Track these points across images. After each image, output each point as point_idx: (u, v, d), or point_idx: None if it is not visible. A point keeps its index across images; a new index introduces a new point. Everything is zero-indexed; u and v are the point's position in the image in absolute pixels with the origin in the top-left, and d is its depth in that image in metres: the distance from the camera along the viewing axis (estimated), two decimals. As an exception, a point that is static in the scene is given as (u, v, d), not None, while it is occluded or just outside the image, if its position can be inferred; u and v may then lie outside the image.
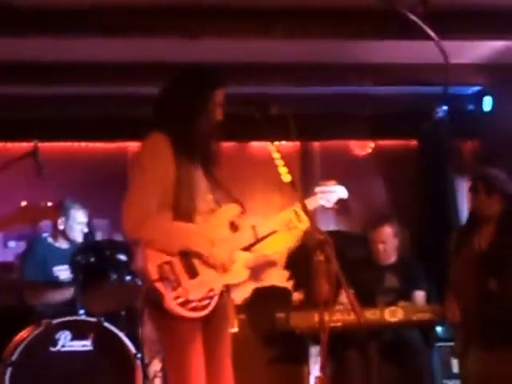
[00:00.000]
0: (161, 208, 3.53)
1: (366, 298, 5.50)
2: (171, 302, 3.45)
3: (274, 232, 3.81)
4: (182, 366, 3.53)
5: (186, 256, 3.53)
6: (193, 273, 3.53)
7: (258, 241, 3.79)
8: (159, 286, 3.44)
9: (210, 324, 3.67)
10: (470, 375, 4.67)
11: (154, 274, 3.44)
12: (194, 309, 3.51)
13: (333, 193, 4.11)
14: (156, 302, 3.47)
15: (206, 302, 3.56)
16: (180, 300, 3.47)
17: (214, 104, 3.69)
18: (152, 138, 3.61)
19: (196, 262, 3.56)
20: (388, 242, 6.13)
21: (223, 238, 3.67)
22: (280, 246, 3.86)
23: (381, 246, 6.11)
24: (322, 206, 4.06)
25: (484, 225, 4.76)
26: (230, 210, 3.77)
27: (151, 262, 3.46)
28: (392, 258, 6.18)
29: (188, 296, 3.48)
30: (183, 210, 3.57)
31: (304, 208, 3.59)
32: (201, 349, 3.58)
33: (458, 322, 4.81)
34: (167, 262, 3.48)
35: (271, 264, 3.95)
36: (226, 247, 3.65)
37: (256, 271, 3.80)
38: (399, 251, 6.25)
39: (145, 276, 3.49)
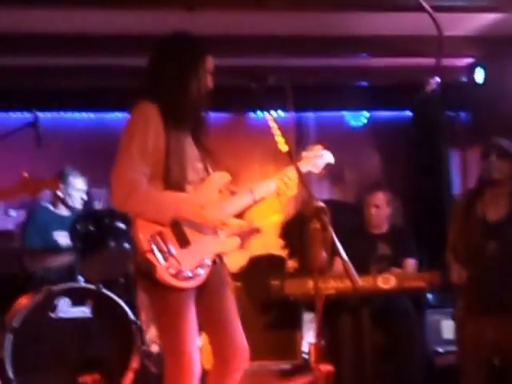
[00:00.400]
0: (151, 178, 3.48)
1: (360, 266, 5.49)
2: (163, 273, 3.40)
3: (263, 198, 3.78)
4: (174, 336, 3.51)
5: (177, 225, 3.48)
6: (184, 242, 3.49)
7: (255, 203, 3.76)
8: (150, 256, 3.39)
9: (207, 291, 3.64)
10: (468, 340, 4.69)
11: (145, 244, 3.40)
12: (187, 278, 3.47)
13: (320, 158, 4.06)
14: (147, 273, 3.42)
15: (199, 271, 3.53)
16: (172, 270, 3.42)
17: (204, 71, 3.65)
18: (140, 107, 3.55)
19: (187, 230, 3.51)
20: (381, 207, 6.21)
21: (213, 201, 3.60)
22: (267, 212, 3.84)
23: (374, 210, 6.19)
24: (310, 172, 3.99)
25: (490, 190, 4.75)
26: (220, 177, 3.70)
27: (142, 233, 3.41)
28: (384, 227, 6.25)
29: (180, 266, 3.44)
30: (173, 180, 3.52)
31: (299, 174, 3.57)
32: (194, 319, 3.55)
33: (462, 284, 4.80)
34: (158, 233, 3.43)
35: (256, 231, 3.91)
36: (217, 209, 3.58)
37: (241, 239, 3.78)
38: (391, 220, 6.30)
39: (136, 247, 3.43)
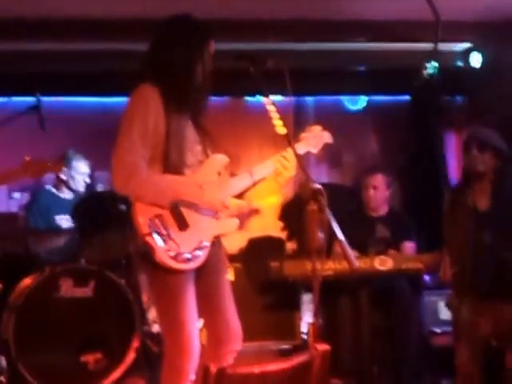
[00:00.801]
0: (150, 161, 3.49)
1: (358, 249, 5.58)
2: (162, 255, 3.44)
3: (261, 180, 3.84)
4: (173, 318, 3.56)
5: (176, 208, 3.51)
6: (183, 224, 3.53)
7: (254, 184, 3.83)
8: (150, 239, 3.43)
9: (205, 273, 3.69)
10: (464, 324, 4.73)
11: (144, 228, 3.43)
12: (186, 261, 3.52)
13: (319, 138, 4.13)
14: (147, 255, 3.46)
15: (198, 253, 3.57)
16: (171, 253, 3.46)
17: (208, 54, 3.68)
18: (141, 89, 3.54)
19: (186, 212, 3.54)
20: (380, 189, 6.21)
21: (212, 182, 3.65)
22: (265, 194, 3.87)
23: (372, 192, 6.19)
24: (309, 152, 4.06)
25: (477, 182, 4.77)
26: (218, 159, 3.73)
27: (141, 216, 3.45)
28: (383, 210, 6.27)
29: (179, 248, 3.48)
30: (172, 164, 3.54)
31: (296, 156, 3.61)
32: (193, 300, 3.60)
33: (453, 275, 4.85)
34: (158, 215, 3.47)
35: (255, 212, 3.93)
36: (217, 190, 3.64)
37: (240, 220, 3.82)
38: (390, 203, 6.33)
39: (135, 230, 3.46)
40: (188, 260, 3.54)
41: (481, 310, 4.63)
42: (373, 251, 5.83)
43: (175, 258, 3.48)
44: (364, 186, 6.26)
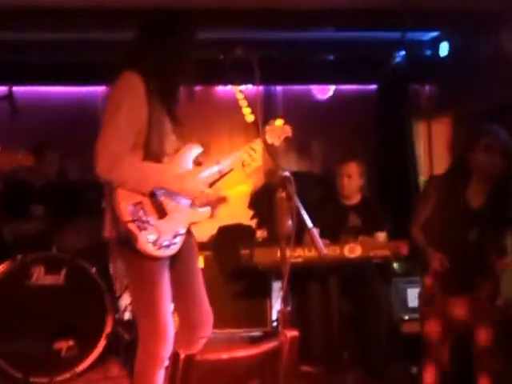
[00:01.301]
0: (132, 148, 3.51)
1: (330, 237, 5.67)
2: (143, 242, 3.48)
3: (229, 170, 3.87)
4: (149, 302, 3.60)
5: (155, 196, 3.55)
6: (162, 212, 3.57)
7: (221, 177, 3.86)
8: (131, 226, 3.46)
9: (178, 261, 3.74)
10: (436, 313, 4.72)
11: (126, 215, 3.46)
12: (164, 247, 3.57)
13: (280, 131, 4.12)
14: (128, 242, 3.48)
15: (175, 240, 3.62)
16: (151, 239, 3.50)
17: (194, 46, 3.73)
18: (125, 77, 3.55)
19: (165, 201, 3.59)
20: (353, 177, 6.15)
21: (191, 172, 3.72)
22: (233, 183, 3.90)
23: (346, 180, 6.13)
24: (272, 144, 4.05)
25: (476, 180, 4.68)
26: (194, 149, 3.79)
27: (123, 203, 3.47)
28: (356, 198, 6.24)
29: (159, 235, 3.53)
30: (153, 151, 3.57)
31: (265, 145, 3.69)
32: (168, 286, 3.64)
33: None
34: (138, 203, 3.50)
35: (222, 200, 3.96)
36: (197, 180, 3.71)
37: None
38: (363, 192, 6.28)
39: (116, 216, 3.48)
40: (166, 247, 3.59)
41: (456, 303, 4.65)
42: (344, 239, 5.83)
43: (154, 244, 3.53)
44: (338, 174, 6.20)
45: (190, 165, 3.76)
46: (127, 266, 3.68)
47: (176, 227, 3.65)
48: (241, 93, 3.64)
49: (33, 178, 6.24)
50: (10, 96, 5.42)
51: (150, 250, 3.52)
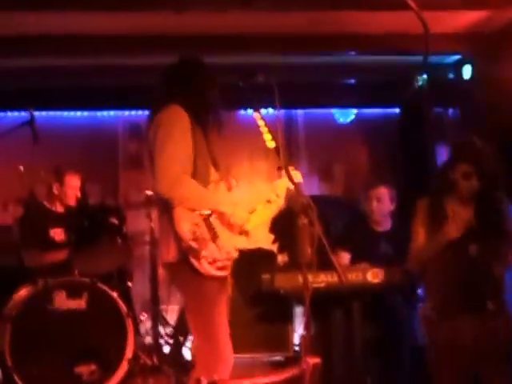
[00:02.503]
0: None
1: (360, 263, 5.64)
2: (203, 262, 3.58)
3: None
4: (211, 323, 3.67)
5: (209, 218, 3.65)
6: (215, 235, 3.67)
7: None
8: (194, 244, 3.55)
9: None
10: (443, 341, 4.64)
11: (188, 233, 3.56)
12: (221, 268, 3.67)
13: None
14: (188, 262, 3.57)
15: (227, 262, 3.73)
16: (210, 259, 3.60)
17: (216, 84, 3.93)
18: (174, 110, 3.72)
19: (216, 224, 3.69)
20: (383, 201, 6.09)
21: (239, 202, 3.86)
22: (257, 219, 3.95)
23: (375, 205, 6.07)
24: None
25: (458, 193, 4.68)
26: (233, 182, 3.99)
27: (184, 222, 3.57)
28: (386, 224, 6.17)
29: (216, 256, 3.63)
30: (200, 180, 3.70)
31: (287, 172, 3.72)
32: (226, 306, 3.77)
33: (435, 288, 4.77)
34: (196, 224, 3.60)
35: (245, 233, 4.03)
36: (244, 209, 3.84)
37: None
38: (395, 218, 6.20)
39: (178, 236, 3.56)
40: (222, 268, 3.70)
41: (462, 325, 4.57)
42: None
43: (212, 264, 3.62)
44: (367, 198, 6.14)
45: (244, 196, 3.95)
46: (186, 287, 3.74)
47: (227, 250, 3.72)
48: (262, 119, 3.66)
49: (53, 202, 6.26)
50: (31, 121, 5.46)
51: (210, 269, 3.61)
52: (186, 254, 3.56)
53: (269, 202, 3.97)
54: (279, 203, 4.00)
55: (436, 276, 4.74)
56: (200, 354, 3.73)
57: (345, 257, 5.99)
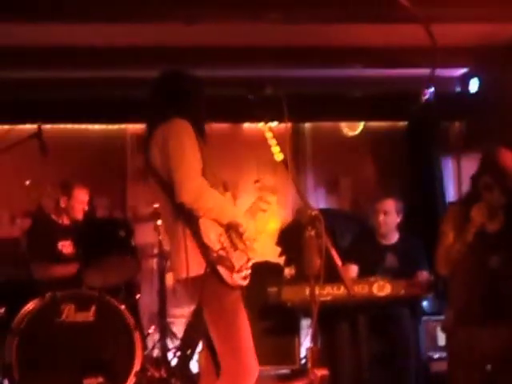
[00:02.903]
0: None
1: (366, 276, 5.68)
2: (230, 271, 3.57)
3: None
4: (237, 334, 3.65)
5: (228, 229, 3.66)
6: (235, 246, 3.68)
7: None
8: (223, 253, 3.55)
9: None
10: (459, 347, 4.68)
11: (216, 244, 3.57)
12: (245, 277, 3.68)
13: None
14: (215, 272, 3.53)
15: (247, 272, 3.71)
16: (237, 268, 3.61)
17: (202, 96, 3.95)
18: (180, 122, 3.72)
19: (233, 235, 3.69)
20: (390, 214, 6.07)
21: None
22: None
23: (382, 218, 6.05)
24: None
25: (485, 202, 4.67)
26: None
27: (211, 233, 3.58)
28: (393, 237, 6.16)
29: (241, 264, 3.64)
30: None
31: (294, 184, 3.66)
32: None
33: (456, 299, 4.80)
34: (220, 234, 3.62)
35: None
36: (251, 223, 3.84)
37: None
38: (401, 231, 6.19)
39: (206, 246, 3.54)
40: (244, 277, 3.69)
41: (479, 334, 4.59)
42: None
43: (239, 273, 3.63)
44: (374, 211, 6.13)
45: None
46: (212, 299, 3.63)
47: (245, 260, 3.73)
48: (270, 132, 3.66)
49: (60, 215, 6.27)
50: (39, 133, 5.51)
51: (237, 278, 3.61)
52: (214, 265, 3.53)
53: (263, 211, 3.95)
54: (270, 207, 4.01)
55: (458, 286, 4.76)
56: (225, 366, 3.69)
57: (353, 269, 5.98)
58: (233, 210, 3.77)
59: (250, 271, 3.73)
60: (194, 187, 3.58)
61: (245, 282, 3.68)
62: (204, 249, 3.55)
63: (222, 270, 3.55)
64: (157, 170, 3.74)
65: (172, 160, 3.64)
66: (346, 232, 6.65)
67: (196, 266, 3.56)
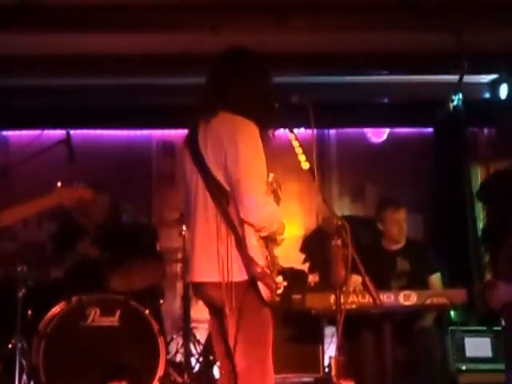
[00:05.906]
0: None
1: (380, 283, 5.62)
2: (268, 288, 3.50)
3: None
4: (267, 346, 3.59)
5: (266, 242, 3.59)
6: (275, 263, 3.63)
7: None
8: (268, 271, 3.48)
9: None
10: None
11: (262, 259, 3.49)
12: (279, 294, 3.60)
13: None
14: (256, 285, 3.45)
15: (282, 289, 3.64)
16: (275, 285, 3.54)
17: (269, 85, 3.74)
18: (249, 123, 3.56)
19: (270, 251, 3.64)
20: (404, 223, 6.09)
21: None
22: None
23: (397, 227, 6.07)
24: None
25: None
26: None
27: (258, 248, 3.49)
28: (401, 243, 6.16)
29: (278, 281, 3.57)
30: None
31: (320, 192, 3.66)
32: None
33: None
34: (264, 251, 3.55)
35: None
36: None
37: None
38: (407, 236, 6.19)
39: (252, 260, 3.45)
40: (280, 294, 3.62)
41: None
42: (395, 286, 5.84)
43: (276, 290, 3.56)
44: (388, 220, 6.10)
45: None
46: (245, 309, 3.54)
47: (277, 277, 3.65)
48: (296, 140, 3.63)
49: (86, 220, 6.30)
50: (67, 139, 5.56)
51: (273, 295, 3.54)
52: (255, 279, 3.46)
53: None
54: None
55: None
56: (248, 376, 3.63)
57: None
58: (282, 221, 3.65)
59: (283, 288, 3.64)
60: (267, 215, 3.47)
61: (278, 298, 3.61)
62: (246, 259, 3.46)
63: (261, 286, 3.46)
64: (206, 165, 3.55)
65: (241, 161, 3.47)
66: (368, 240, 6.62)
67: (238, 272, 3.47)
